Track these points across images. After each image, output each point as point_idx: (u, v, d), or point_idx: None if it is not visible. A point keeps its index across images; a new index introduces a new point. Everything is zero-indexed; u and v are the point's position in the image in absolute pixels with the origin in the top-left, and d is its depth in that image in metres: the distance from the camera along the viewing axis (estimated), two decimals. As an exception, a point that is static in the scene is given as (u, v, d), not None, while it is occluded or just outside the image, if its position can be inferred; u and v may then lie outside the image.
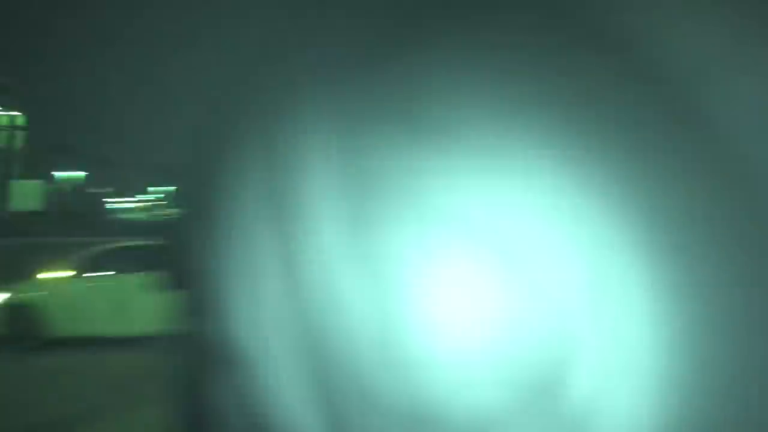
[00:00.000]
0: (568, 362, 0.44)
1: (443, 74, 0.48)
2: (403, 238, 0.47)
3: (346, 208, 0.48)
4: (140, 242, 9.69)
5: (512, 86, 0.46)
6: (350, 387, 0.48)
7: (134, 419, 5.15)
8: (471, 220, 0.46)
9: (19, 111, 60.07)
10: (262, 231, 0.52)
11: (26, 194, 61.48)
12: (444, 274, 0.47)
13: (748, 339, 0.40)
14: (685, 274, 0.41)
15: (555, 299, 0.45)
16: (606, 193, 0.44)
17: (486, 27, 0.48)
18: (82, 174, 71.34)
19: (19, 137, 61.10)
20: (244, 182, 0.54)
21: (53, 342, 7.93)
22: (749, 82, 0.42)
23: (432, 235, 0.47)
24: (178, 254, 0.64)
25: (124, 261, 8.49)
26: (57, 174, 70.25)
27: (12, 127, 60.12)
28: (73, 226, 45.58)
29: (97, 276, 8.35)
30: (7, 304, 8.15)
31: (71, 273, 8.36)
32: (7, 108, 58.66)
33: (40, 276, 8.57)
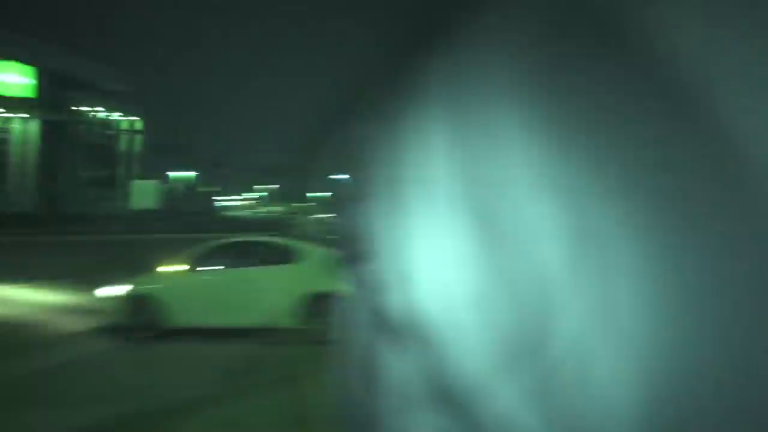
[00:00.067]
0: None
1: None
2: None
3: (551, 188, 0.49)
4: (250, 237, 10.04)
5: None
6: (535, 362, 0.48)
7: (248, 407, 5.29)
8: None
9: (137, 116, 64.48)
10: (455, 213, 0.53)
11: (144, 193, 65.90)
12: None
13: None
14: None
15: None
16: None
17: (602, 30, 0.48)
18: (193, 174, 75.48)
19: (138, 140, 65.55)
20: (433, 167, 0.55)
21: (172, 332, 8.33)
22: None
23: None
24: (358, 236, 0.65)
25: (235, 255, 8.79)
26: (171, 174, 74.66)
27: (131, 131, 64.57)
28: (186, 222, 48.35)
29: (211, 269, 8.69)
30: (129, 296, 8.63)
31: (187, 266, 8.74)
32: (127, 113, 63.08)
33: (159, 269, 9.02)
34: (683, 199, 0.42)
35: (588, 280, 0.45)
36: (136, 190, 69.98)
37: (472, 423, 0.50)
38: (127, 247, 25.93)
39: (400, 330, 0.56)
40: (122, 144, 63.55)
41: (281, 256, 8.39)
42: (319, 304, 7.77)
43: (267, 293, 8.09)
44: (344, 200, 0.67)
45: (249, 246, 8.97)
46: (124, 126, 63.13)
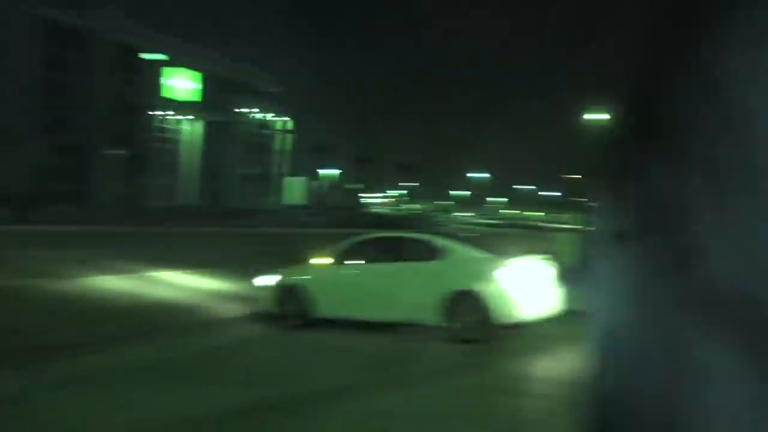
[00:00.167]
0: None
1: None
2: None
3: None
4: (395, 233, 10.12)
5: None
6: None
7: (391, 399, 5.29)
8: None
9: (289, 116, 68.28)
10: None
11: (294, 190, 69.56)
12: None
13: None
14: None
15: None
16: None
17: None
18: (338, 172, 78.55)
19: (289, 139, 69.39)
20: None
21: (318, 322, 8.62)
22: None
23: None
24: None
25: (380, 250, 8.88)
26: (320, 172, 78.15)
27: (284, 130, 68.48)
28: (332, 218, 50.25)
29: (357, 263, 8.88)
30: (280, 286, 9.05)
31: (334, 260, 8.98)
32: (279, 114, 67.02)
33: (308, 261, 9.36)
34: None
35: None
36: (288, 187, 74.41)
37: None
38: (279, 239, 27.46)
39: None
40: (276, 143, 67.70)
41: (426, 253, 8.34)
42: (461, 301, 7.65)
43: (412, 289, 8.08)
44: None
45: (394, 242, 9.02)
46: (278, 126, 67.21)
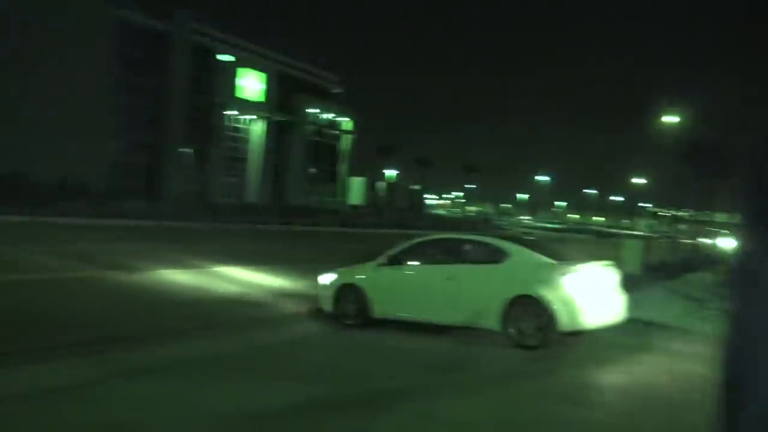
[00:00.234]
0: None
1: None
2: None
3: None
4: (456, 235, 10.01)
5: None
6: None
7: (446, 404, 5.20)
8: None
9: (351, 117, 68.82)
10: None
11: (356, 189, 70.00)
12: None
13: None
14: None
15: None
16: None
17: None
18: (395, 173, 78.49)
19: (351, 139, 69.93)
20: None
21: (376, 322, 8.61)
22: None
23: None
24: None
25: (441, 252, 8.78)
26: (384, 172, 78.20)
27: (346, 130, 69.10)
28: (393, 218, 50.25)
29: (417, 265, 8.81)
30: (339, 285, 9.09)
31: (395, 260, 8.92)
32: (342, 114, 67.67)
33: (368, 261, 9.35)
34: None
35: None
36: (349, 186, 75.07)
37: None
38: (341, 238, 27.71)
39: None
40: (339, 143, 68.41)
41: (488, 256, 8.19)
42: (525, 306, 7.46)
43: (473, 292, 7.95)
44: None
45: (455, 243, 8.91)
46: (341, 126, 67.88)
